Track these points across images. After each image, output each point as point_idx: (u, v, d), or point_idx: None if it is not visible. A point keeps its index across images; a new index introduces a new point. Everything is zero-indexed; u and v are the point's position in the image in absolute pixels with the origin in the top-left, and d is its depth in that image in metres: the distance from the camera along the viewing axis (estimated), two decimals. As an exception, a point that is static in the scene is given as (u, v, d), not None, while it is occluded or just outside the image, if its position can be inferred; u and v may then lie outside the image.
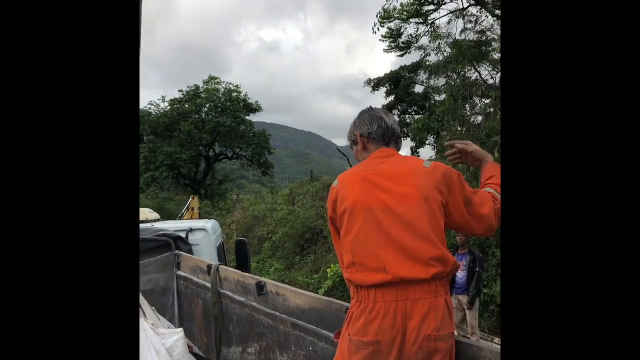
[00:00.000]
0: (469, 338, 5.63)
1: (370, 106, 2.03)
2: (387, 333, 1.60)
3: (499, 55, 16.16)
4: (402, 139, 2.08)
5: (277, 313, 2.53)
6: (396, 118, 2.05)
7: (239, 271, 3.01)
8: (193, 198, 14.21)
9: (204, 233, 4.36)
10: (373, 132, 1.91)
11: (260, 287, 2.66)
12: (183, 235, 4.07)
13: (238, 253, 4.99)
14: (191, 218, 11.77)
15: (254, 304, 2.75)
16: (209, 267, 3.21)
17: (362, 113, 2.00)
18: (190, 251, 3.96)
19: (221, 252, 4.85)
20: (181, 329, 3.03)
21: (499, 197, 1.80)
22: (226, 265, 3.58)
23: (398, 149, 1.97)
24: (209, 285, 3.15)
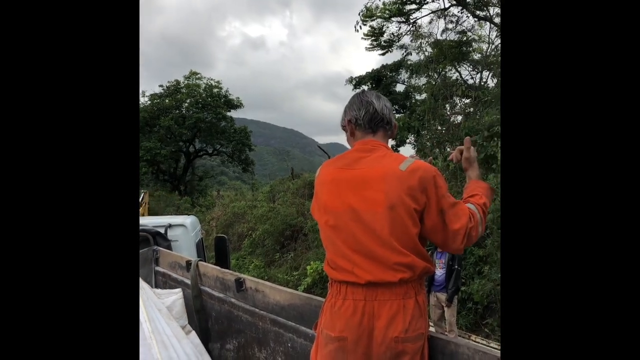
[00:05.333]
0: (447, 335, 5.68)
1: (363, 89, 1.96)
2: (354, 330, 1.61)
3: (479, 55, 16.38)
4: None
5: (257, 309, 2.52)
6: (389, 104, 1.89)
7: (218, 267, 2.99)
8: (145, 193, 14.54)
9: (183, 229, 4.31)
10: (360, 118, 1.82)
11: (239, 283, 2.65)
12: (162, 231, 4.02)
13: (217, 250, 4.94)
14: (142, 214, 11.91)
15: (233, 300, 2.73)
16: (189, 263, 3.17)
17: (353, 97, 1.91)
18: (169, 247, 3.91)
19: (200, 248, 4.80)
20: (179, 289, 3.14)
21: (478, 217, 1.73)
22: (205, 261, 3.54)
23: (390, 135, 1.89)
24: (187, 281, 3.12)
